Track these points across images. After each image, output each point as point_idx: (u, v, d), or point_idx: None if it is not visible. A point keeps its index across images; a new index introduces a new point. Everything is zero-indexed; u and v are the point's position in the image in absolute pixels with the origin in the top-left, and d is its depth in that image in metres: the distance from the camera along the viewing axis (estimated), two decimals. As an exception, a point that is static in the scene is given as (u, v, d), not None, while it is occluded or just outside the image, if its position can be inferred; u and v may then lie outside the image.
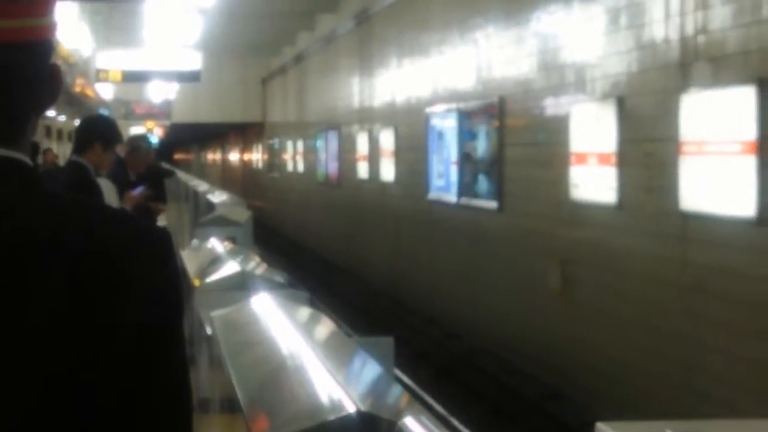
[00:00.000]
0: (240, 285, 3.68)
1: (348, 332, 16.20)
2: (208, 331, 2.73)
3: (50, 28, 1.61)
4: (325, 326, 2.71)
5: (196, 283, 3.86)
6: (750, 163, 8.24)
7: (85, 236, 1.55)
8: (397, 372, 10.80)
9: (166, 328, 1.59)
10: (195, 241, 5.70)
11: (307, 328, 2.53)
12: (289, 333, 2.44)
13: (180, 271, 1.65)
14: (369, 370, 2.40)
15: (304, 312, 2.83)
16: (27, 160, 1.62)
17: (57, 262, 1.51)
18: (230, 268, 3.85)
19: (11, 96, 1.57)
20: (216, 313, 2.68)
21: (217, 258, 4.21)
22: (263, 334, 2.53)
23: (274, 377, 2.32)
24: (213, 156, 69.16)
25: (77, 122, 8.69)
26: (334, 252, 25.73)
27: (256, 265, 4.17)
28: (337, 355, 2.51)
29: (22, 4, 1.55)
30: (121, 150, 10.04)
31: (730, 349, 8.79)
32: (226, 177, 57.70)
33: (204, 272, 3.94)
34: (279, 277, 3.80)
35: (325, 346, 2.52)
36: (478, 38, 14.99)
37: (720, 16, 8.79)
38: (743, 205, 8.32)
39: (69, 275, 1.51)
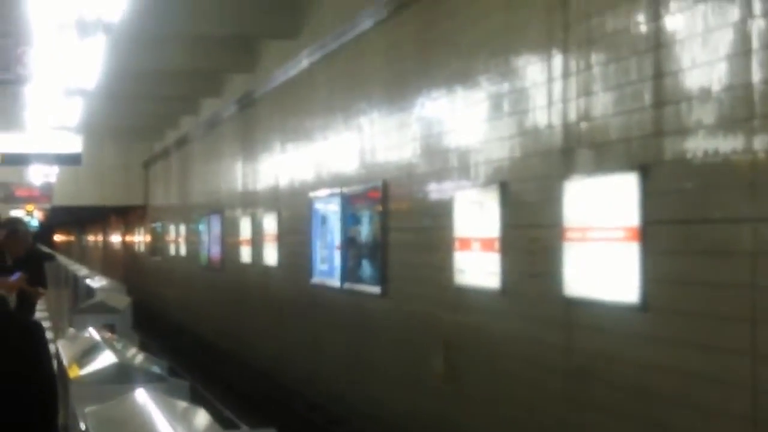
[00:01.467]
0: (117, 378, 3.54)
1: (233, 421, 15.98)
2: (82, 426, 2.59)
3: None
4: (203, 421, 2.58)
5: (72, 374, 3.71)
6: (633, 250, 8.26)
7: None
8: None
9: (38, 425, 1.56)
10: (71, 330, 5.51)
11: (184, 425, 2.40)
12: (164, 429, 2.31)
13: (50, 368, 1.61)
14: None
15: (182, 406, 2.70)
16: None
17: None
18: (107, 359, 3.70)
19: None
20: (90, 409, 2.54)
21: (93, 348, 4.05)
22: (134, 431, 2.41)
23: None
24: (95, 239, 68.39)
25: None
26: (217, 335, 25.47)
27: (134, 355, 4.02)
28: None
29: None
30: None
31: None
32: (107, 260, 57.05)
33: (80, 363, 3.78)
34: (158, 369, 3.66)
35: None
36: (362, 123, 14.99)
37: (602, 103, 8.84)
38: (627, 291, 8.34)
39: None
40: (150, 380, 3.48)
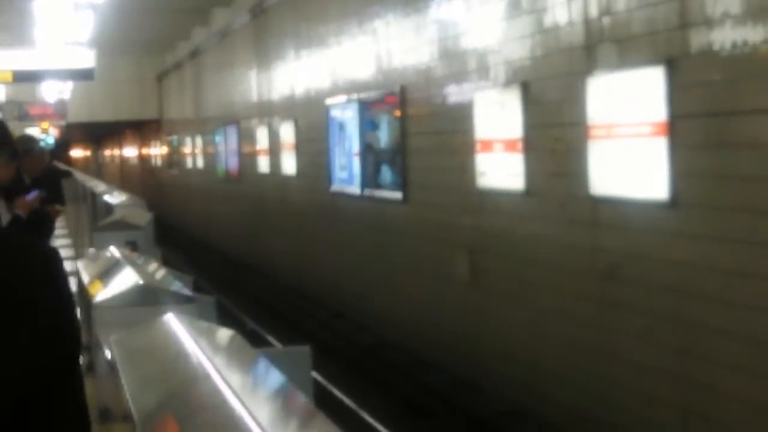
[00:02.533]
0: (142, 300, 3.40)
1: (261, 336, 15.95)
2: (107, 355, 2.45)
3: None
4: (236, 343, 2.43)
5: (94, 297, 3.56)
6: (661, 145, 8.11)
7: None
8: (315, 375, 10.45)
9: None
10: (92, 250, 5.36)
11: (218, 351, 2.26)
12: (195, 354, 2.17)
13: (69, 294, 1.53)
14: (276, 385, 2.13)
15: (213, 329, 2.56)
16: None
17: None
18: (130, 280, 3.56)
19: None
20: (116, 336, 2.41)
21: (116, 268, 3.90)
22: (165, 357, 2.26)
23: (173, 402, 2.06)
24: (111, 154, 68.34)
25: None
26: (237, 247, 25.44)
27: (158, 274, 3.88)
28: (243, 374, 2.23)
29: None
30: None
31: (641, 334, 8.66)
32: (124, 175, 57.06)
33: (102, 285, 3.64)
34: (183, 287, 3.52)
35: (232, 366, 2.24)
36: (377, 27, 14.77)
37: (625, -3, 8.63)
38: (655, 188, 8.19)
39: None
40: (176, 301, 3.35)
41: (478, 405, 11.29)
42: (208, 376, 2.01)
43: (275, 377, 2.20)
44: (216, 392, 2.00)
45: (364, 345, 14.76)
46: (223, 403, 1.90)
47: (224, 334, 2.49)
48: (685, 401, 8.17)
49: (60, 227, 17.88)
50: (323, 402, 11.57)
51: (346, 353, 14.66)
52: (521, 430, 10.39)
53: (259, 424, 1.77)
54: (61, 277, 1.54)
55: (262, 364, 2.28)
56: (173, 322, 2.45)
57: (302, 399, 2.12)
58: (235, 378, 2.02)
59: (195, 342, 2.21)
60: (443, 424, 11.34)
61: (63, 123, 42.24)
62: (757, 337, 7.28)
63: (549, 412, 10.21)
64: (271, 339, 15.86)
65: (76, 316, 1.54)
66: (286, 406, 2.10)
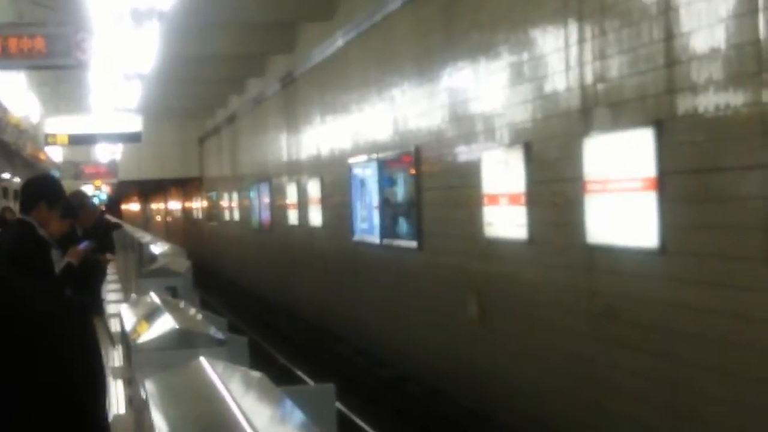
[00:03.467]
0: (177, 343, 3.30)
1: (290, 371, 15.82)
2: (143, 395, 2.35)
3: None
4: (263, 385, 2.32)
5: (134, 340, 3.47)
6: (651, 198, 8.03)
7: None
8: (340, 406, 10.28)
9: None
10: (133, 296, 5.27)
11: (244, 392, 2.15)
12: (222, 396, 2.07)
13: (94, 343, 1.40)
14: (299, 426, 2.02)
15: (241, 373, 2.45)
16: None
17: None
18: (167, 324, 3.46)
19: None
20: (150, 378, 2.31)
21: (154, 313, 3.81)
22: (194, 399, 2.17)
23: None
24: (157, 208, 68.49)
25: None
26: (269, 291, 25.39)
27: (194, 318, 3.78)
28: (268, 415, 2.12)
29: None
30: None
31: (636, 370, 8.56)
32: (169, 227, 57.14)
33: (141, 329, 3.55)
34: (217, 331, 3.42)
35: (256, 407, 2.14)
36: (394, 94, 14.77)
37: (617, 65, 8.58)
38: (646, 236, 8.11)
39: None
40: (210, 344, 3.25)
41: (486, 430, 11.17)
42: (233, 418, 1.91)
43: (298, 418, 2.10)
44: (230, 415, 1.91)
45: (384, 377, 14.64)
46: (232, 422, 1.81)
47: (251, 375, 2.38)
48: (672, 428, 8.05)
49: (111, 274, 17.83)
50: None
51: (366, 385, 14.54)
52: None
53: None
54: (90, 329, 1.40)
55: (287, 405, 2.18)
56: (205, 364, 2.36)
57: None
58: (259, 419, 1.91)
59: (223, 384, 2.12)
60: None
61: (114, 181, 42.37)
62: (735, 372, 7.17)
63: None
64: (299, 373, 15.74)
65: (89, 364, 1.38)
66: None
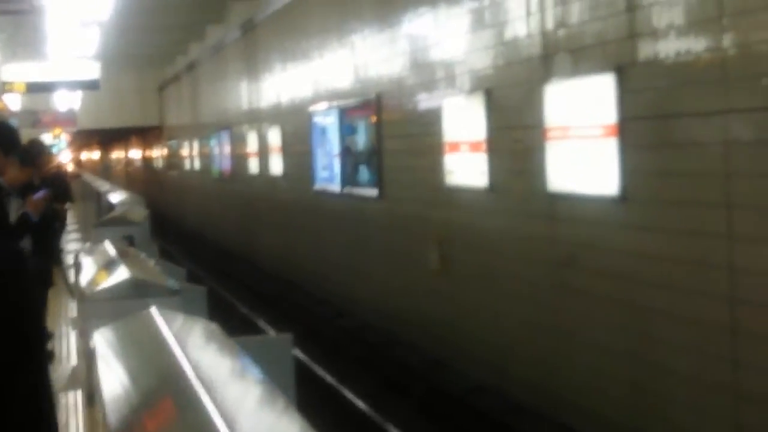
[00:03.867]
0: (131, 293, 3.25)
1: (251, 321, 15.78)
2: (91, 345, 2.30)
3: None
4: (212, 334, 2.28)
5: (87, 291, 3.41)
6: (612, 145, 8.02)
7: None
8: (301, 355, 10.19)
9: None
10: (88, 245, 5.19)
11: (191, 339, 2.11)
12: (171, 347, 2.02)
13: (25, 303, 1.25)
14: (250, 377, 1.97)
15: (191, 320, 2.40)
16: None
17: None
18: (121, 274, 3.40)
19: None
20: (100, 330, 2.26)
21: (109, 263, 3.75)
22: (142, 350, 2.12)
23: (142, 394, 1.91)
24: (117, 157, 67.99)
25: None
26: (229, 240, 25.30)
27: (148, 269, 3.73)
28: (216, 366, 2.07)
29: None
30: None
31: (594, 316, 8.58)
32: (129, 176, 56.76)
33: (95, 279, 3.49)
34: (171, 281, 3.37)
35: (205, 359, 2.09)
36: (354, 41, 14.67)
37: (578, 11, 8.53)
38: (607, 184, 8.10)
39: None
40: (164, 294, 3.20)
41: (446, 381, 11.18)
42: (179, 367, 1.87)
43: (248, 368, 2.05)
44: (186, 386, 1.86)
45: (345, 327, 14.64)
46: (190, 395, 1.76)
47: (204, 326, 2.34)
48: (632, 375, 8.09)
49: (71, 223, 17.72)
50: (307, 383, 11.45)
51: (327, 335, 14.54)
52: (484, 402, 10.27)
53: (224, 417, 1.62)
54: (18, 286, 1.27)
55: (238, 355, 2.14)
56: (155, 314, 2.31)
57: (272, 391, 1.96)
58: (207, 369, 1.87)
59: (172, 334, 2.07)
60: (414, 395, 11.23)
61: (73, 129, 42.01)
62: (694, 317, 7.19)
63: (506, 388, 10.10)
64: (260, 323, 15.72)
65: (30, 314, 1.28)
66: (255, 399, 1.95)
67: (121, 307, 3.07)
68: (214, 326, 2.31)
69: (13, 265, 1.26)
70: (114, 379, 1.88)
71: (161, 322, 2.24)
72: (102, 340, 2.19)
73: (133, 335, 2.26)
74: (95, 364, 2.03)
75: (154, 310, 2.37)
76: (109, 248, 4.26)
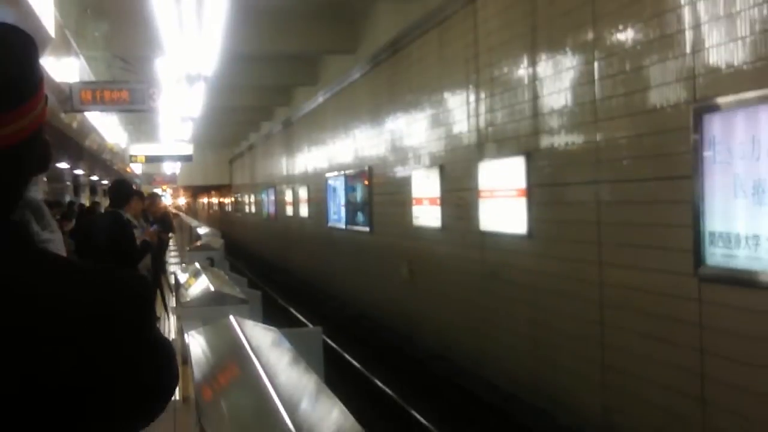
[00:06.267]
0: (212, 302, 3.04)
1: (293, 315, 15.48)
2: (186, 340, 2.09)
3: (34, 123, 0.98)
4: (265, 330, 2.07)
5: (181, 299, 3.20)
6: (522, 202, 7.84)
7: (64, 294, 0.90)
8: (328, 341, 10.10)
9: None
10: (183, 265, 4.99)
11: (253, 335, 1.90)
12: (241, 342, 1.82)
13: (151, 325, 0.98)
14: (291, 360, 1.77)
15: (253, 324, 2.19)
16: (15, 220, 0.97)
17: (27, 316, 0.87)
18: (206, 287, 3.19)
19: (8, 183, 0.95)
20: (191, 332, 2.05)
21: (198, 278, 3.54)
22: (222, 346, 1.92)
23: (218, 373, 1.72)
24: (202, 203, 67.57)
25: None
26: (274, 258, 25.03)
27: (225, 283, 3.51)
28: (268, 353, 1.87)
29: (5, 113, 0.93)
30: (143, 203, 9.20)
31: (511, 313, 8.38)
32: (210, 216, 56.37)
33: (188, 289, 3.29)
34: (241, 292, 3.15)
35: (262, 347, 1.88)
36: (355, 133, 14.52)
37: (501, 115, 8.38)
38: (519, 226, 7.92)
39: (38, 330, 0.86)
40: (236, 302, 3.00)
41: (414, 351, 10.95)
42: (246, 355, 1.67)
43: (290, 353, 1.84)
44: (248, 365, 1.68)
45: (346, 314, 14.40)
46: (249, 365, 1.57)
47: (262, 328, 2.13)
48: (536, 353, 7.89)
49: (171, 247, 17.42)
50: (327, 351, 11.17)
51: (335, 320, 14.28)
52: (440, 366, 10.03)
53: (269, 377, 1.43)
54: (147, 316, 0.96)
55: (282, 343, 1.93)
56: (232, 320, 2.10)
57: (309, 371, 1.76)
58: (263, 355, 1.66)
59: (244, 335, 1.87)
60: (392, 360, 10.97)
61: (175, 185, 41.81)
62: (576, 314, 7.01)
63: (455, 357, 9.88)
64: (293, 311, 15.43)
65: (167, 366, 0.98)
66: (295, 377, 1.75)
67: (206, 312, 2.86)
68: (272, 329, 2.10)
69: (143, 290, 0.93)
70: (199, 350, 1.68)
71: (235, 325, 2.03)
72: (193, 340, 1.99)
73: (216, 337, 2.05)
74: (190, 359, 1.83)
75: (231, 318, 2.16)
76: (198, 266, 4.04)
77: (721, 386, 5.25)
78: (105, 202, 13.98)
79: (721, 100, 5.12)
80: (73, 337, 0.85)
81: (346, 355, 11.21)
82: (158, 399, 0.94)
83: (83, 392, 0.84)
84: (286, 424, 1.42)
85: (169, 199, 56.77)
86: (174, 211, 42.46)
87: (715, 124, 5.19)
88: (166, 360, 0.96)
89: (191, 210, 75.02)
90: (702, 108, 5.28)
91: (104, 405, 0.85)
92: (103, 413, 0.85)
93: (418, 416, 8.18)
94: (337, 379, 9.76)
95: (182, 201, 69.80)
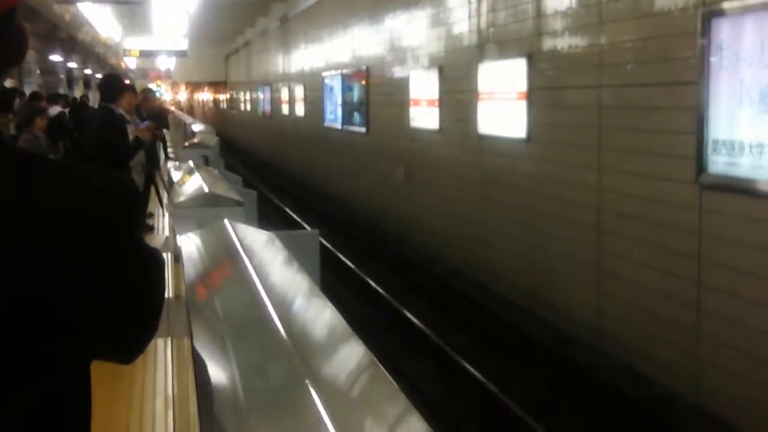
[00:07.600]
0: (206, 202, 2.94)
1: (290, 215, 15.44)
2: (179, 243, 2.00)
3: None
4: (261, 236, 1.98)
5: (174, 200, 3.10)
6: (522, 105, 7.69)
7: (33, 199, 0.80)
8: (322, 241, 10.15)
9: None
10: (176, 163, 4.85)
11: (248, 238, 1.81)
12: (234, 245, 1.74)
13: (136, 235, 0.88)
14: (285, 263, 1.69)
15: (247, 228, 2.09)
16: None
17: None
18: (200, 188, 3.08)
19: None
20: (185, 234, 1.96)
21: (192, 177, 3.43)
22: (215, 248, 1.83)
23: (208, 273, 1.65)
24: (198, 100, 66.77)
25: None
26: (268, 156, 24.88)
27: (219, 184, 3.40)
28: (262, 255, 1.79)
29: None
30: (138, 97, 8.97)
31: (506, 216, 8.34)
32: (204, 113, 55.85)
33: (181, 188, 3.19)
34: (235, 194, 3.05)
35: (255, 250, 1.80)
36: (353, 31, 14.16)
37: (503, 16, 8.12)
38: (518, 130, 7.79)
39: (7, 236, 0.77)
40: (230, 204, 2.89)
41: (407, 253, 10.97)
42: (238, 256, 1.58)
43: (285, 255, 1.76)
44: (240, 266, 1.60)
45: (342, 216, 14.38)
46: (240, 263, 1.49)
47: (256, 232, 2.03)
48: (529, 254, 7.89)
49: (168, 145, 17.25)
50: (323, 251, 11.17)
51: (330, 220, 14.27)
52: (432, 269, 10.06)
53: (258, 275, 1.36)
54: (130, 220, 0.86)
55: (277, 246, 1.84)
56: (226, 223, 2.01)
57: (302, 273, 1.68)
58: (255, 257, 1.58)
59: (236, 237, 1.78)
60: (386, 261, 11.01)
61: (169, 81, 41.24)
62: (573, 219, 6.97)
63: (447, 259, 9.90)
64: (287, 210, 15.40)
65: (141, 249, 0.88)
66: (288, 279, 1.67)
67: (199, 213, 2.76)
68: (266, 233, 2.00)
69: (129, 189, 0.84)
70: (193, 250, 1.60)
71: (229, 228, 1.94)
72: (186, 242, 1.90)
73: (209, 239, 1.96)
74: (181, 261, 1.75)
75: (225, 221, 2.06)
76: (192, 165, 3.93)
77: (718, 293, 5.24)
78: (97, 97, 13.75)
79: (729, 4, 4.92)
80: (45, 247, 0.76)
81: (340, 255, 11.23)
82: (150, 314, 0.87)
83: (47, 305, 0.76)
84: (275, 325, 1.35)
85: (168, 95, 56.06)
86: (170, 108, 41.98)
87: (723, 29, 5.02)
88: (153, 270, 0.87)
89: (187, 107, 74.19)
90: (710, 12, 5.09)
91: (73, 324, 0.77)
92: (72, 332, 0.78)
93: (408, 314, 8.23)
94: (332, 279, 9.79)
95: (183, 97, 68.59)
